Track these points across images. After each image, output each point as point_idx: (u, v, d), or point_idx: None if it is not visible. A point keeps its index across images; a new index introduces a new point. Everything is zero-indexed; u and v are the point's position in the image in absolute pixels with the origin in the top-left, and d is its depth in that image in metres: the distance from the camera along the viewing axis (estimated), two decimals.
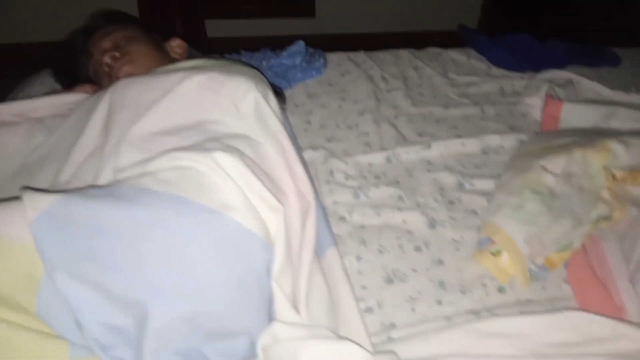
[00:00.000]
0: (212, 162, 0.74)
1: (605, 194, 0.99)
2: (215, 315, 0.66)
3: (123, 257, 0.65)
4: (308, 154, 1.16)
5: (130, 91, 0.91)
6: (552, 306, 0.86)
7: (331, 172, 1.12)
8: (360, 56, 1.57)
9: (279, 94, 1.29)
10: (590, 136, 1.08)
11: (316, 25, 2.82)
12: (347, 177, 1.11)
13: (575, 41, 1.56)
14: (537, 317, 0.75)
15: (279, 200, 0.75)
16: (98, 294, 0.62)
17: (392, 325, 0.83)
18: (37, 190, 0.70)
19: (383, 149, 1.19)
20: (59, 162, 0.92)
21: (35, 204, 0.66)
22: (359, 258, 0.93)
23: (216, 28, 2.70)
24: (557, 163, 1.00)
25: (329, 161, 1.14)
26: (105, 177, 0.81)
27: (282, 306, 0.71)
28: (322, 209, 0.92)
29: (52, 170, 0.91)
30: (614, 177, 1.02)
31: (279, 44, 1.51)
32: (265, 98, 0.90)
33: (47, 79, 1.36)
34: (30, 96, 1.24)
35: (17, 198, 0.69)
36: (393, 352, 0.68)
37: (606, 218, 0.97)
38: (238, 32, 2.75)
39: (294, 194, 0.81)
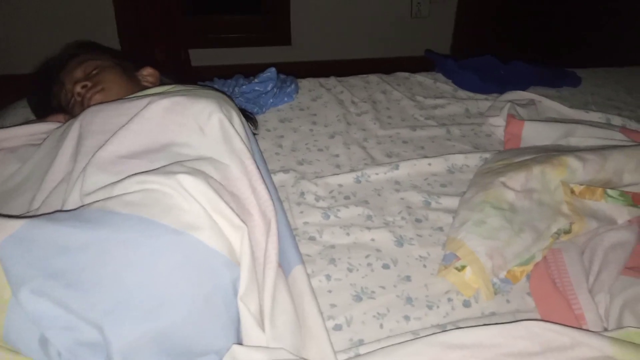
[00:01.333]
0: (177, 184, 0.76)
1: (565, 208, 1.03)
2: (182, 334, 0.67)
3: (88, 277, 0.66)
4: (279, 177, 1.19)
5: (98, 117, 0.93)
6: (516, 318, 0.88)
7: (302, 194, 1.15)
8: (331, 81, 1.61)
9: (250, 118, 1.32)
10: (549, 153, 1.12)
11: (293, 53, 2.88)
12: (318, 198, 1.14)
13: (538, 63, 1.62)
14: (498, 328, 0.78)
15: (242, 220, 0.77)
16: (63, 311, 0.63)
17: (361, 342, 0.84)
18: (5, 216, 0.71)
19: (352, 170, 1.22)
20: (32, 190, 0.93)
21: (2, 229, 0.67)
22: (328, 277, 0.95)
23: (200, 57, 2.75)
24: (516, 179, 1.04)
25: (299, 183, 1.17)
26: (72, 201, 0.82)
27: (248, 325, 0.73)
28: (289, 229, 0.94)
29: (26, 199, 0.92)
30: (572, 191, 1.06)
31: (259, 70, 1.55)
32: (230, 119, 0.93)
33: (20, 110, 1.38)
34: (3, 127, 1.26)
35: None
36: None
37: (566, 231, 1.01)
38: (221, 61, 2.82)
39: (257, 212, 0.84)
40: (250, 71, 1.58)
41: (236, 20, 2.89)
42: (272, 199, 0.87)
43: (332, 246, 1.02)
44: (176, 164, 0.83)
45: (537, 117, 1.38)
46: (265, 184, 0.89)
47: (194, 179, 0.77)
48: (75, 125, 0.94)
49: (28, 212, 0.89)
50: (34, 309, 0.63)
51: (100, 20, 2.55)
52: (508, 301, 0.92)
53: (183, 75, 1.37)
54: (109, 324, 0.64)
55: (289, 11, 2.77)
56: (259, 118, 1.41)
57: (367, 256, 1.00)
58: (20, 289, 0.64)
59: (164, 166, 0.83)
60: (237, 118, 0.96)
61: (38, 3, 2.51)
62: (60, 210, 0.82)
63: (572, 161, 1.07)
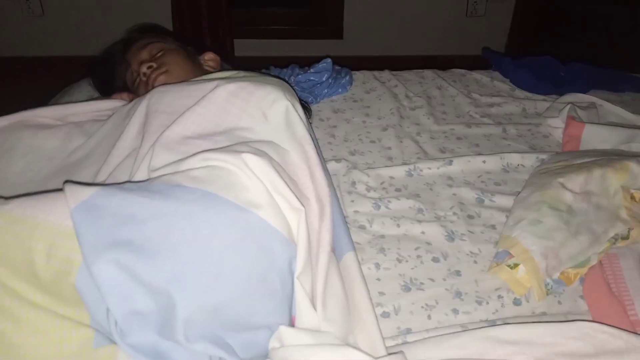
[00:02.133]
0: (241, 162, 0.78)
1: (623, 214, 1.00)
2: (237, 308, 0.69)
3: (153, 246, 0.69)
4: (331, 165, 1.20)
5: (165, 97, 0.96)
6: (567, 320, 0.86)
7: (353, 184, 1.15)
8: (385, 75, 1.61)
9: (305, 107, 1.33)
10: (610, 157, 1.10)
11: (343, 48, 2.88)
12: (369, 188, 1.15)
13: (598, 66, 1.58)
14: (550, 326, 0.77)
15: (301, 202, 0.79)
16: (127, 277, 0.66)
17: (408, 330, 0.85)
18: (78, 183, 0.75)
19: (404, 163, 1.22)
20: (97, 163, 0.97)
21: (76, 195, 0.71)
22: (377, 265, 0.96)
23: (245, 47, 2.78)
24: (576, 181, 1.02)
25: (351, 173, 1.18)
26: (140, 176, 0.85)
27: (302, 304, 0.74)
28: (342, 216, 0.95)
29: (91, 171, 0.96)
30: (632, 197, 1.04)
31: (306, 64, 1.56)
32: (294, 106, 0.94)
33: (85, 88, 1.43)
34: (70, 102, 1.31)
35: (59, 190, 0.74)
36: (401, 353, 0.70)
37: (624, 237, 0.98)
38: (266, 52, 2.83)
39: (314, 198, 0.85)
40: (300, 64, 1.59)
41: (286, 13, 2.90)
42: (328, 186, 0.89)
43: (382, 236, 1.03)
44: (241, 144, 0.85)
45: (598, 120, 1.34)
46: (324, 172, 0.90)
47: (258, 158, 0.79)
48: (143, 104, 0.97)
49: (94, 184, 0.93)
50: (100, 276, 0.66)
51: (155, 8, 2.62)
52: (560, 302, 0.91)
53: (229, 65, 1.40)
54: (173, 293, 0.66)
55: (342, 5, 2.77)
56: (313, 108, 1.42)
57: (416, 248, 1.00)
58: (89, 254, 0.67)
59: (229, 146, 0.85)
60: (299, 105, 0.97)
61: None
62: (129, 182, 0.85)
63: (634, 166, 1.04)
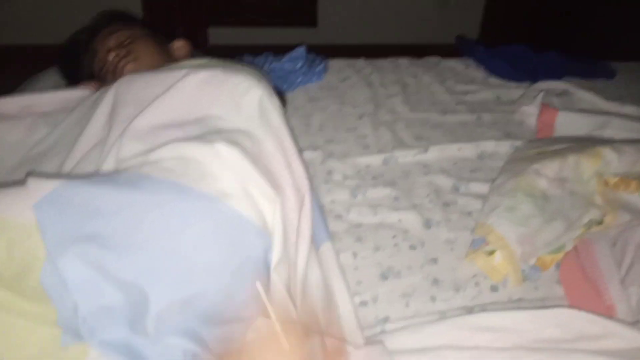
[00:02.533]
0: (212, 152, 0.76)
1: (598, 199, 1.01)
2: (211, 300, 0.67)
3: (121, 239, 0.66)
4: (307, 154, 1.18)
5: (133, 86, 0.93)
6: (544, 305, 0.86)
7: (329, 172, 1.14)
8: (360, 63, 1.59)
9: (280, 96, 1.31)
10: (584, 143, 1.10)
11: (318, 35, 2.85)
12: (345, 177, 1.13)
13: (571, 54, 1.59)
14: (527, 312, 0.77)
15: (275, 192, 0.77)
16: (95, 272, 0.63)
17: (386, 319, 0.84)
18: (41, 175, 0.71)
19: (380, 151, 1.21)
20: (62, 155, 0.93)
21: (39, 188, 0.68)
22: (355, 254, 0.95)
23: (218, 35, 2.73)
24: (550, 167, 1.02)
25: (327, 162, 1.16)
26: (107, 168, 0.82)
27: (279, 296, 0.72)
28: (319, 206, 0.94)
29: (55, 163, 0.93)
30: (606, 183, 1.04)
31: (280, 52, 1.54)
32: (268, 95, 0.92)
33: (51, 77, 1.38)
34: (35, 92, 1.26)
35: (21, 182, 0.70)
36: (380, 343, 0.69)
37: (598, 222, 0.99)
38: (240, 40, 2.79)
39: (291, 188, 0.83)
40: (274, 52, 1.56)
41: (261, 0, 2.86)
42: (308, 177, 0.87)
43: (359, 225, 1.01)
44: (213, 134, 0.82)
45: (571, 107, 1.35)
46: (301, 161, 0.88)
47: (230, 147, 0.76)
48: (110, 93, 0.94)
49: (58, 175, 0.89)
50: (65, 270, 0.63)
51: None
52: (536, 288, 0.91)
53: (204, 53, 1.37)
54: (144, 287, 0.64)
55: None
56: (288, 96, 1.40)
57: (393, 236, 0.99)
58: (54, 250, 0.64)
59: (200, 135, 0.82)
60: (273, 94, 0.95)
61: None
62: (96, 173, 0.82)
63: (607, 152, 1.05)
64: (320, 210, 0.93)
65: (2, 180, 0.92)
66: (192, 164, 0.75)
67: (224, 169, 0.75)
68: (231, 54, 1.54)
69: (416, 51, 1.89)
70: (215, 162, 0.76)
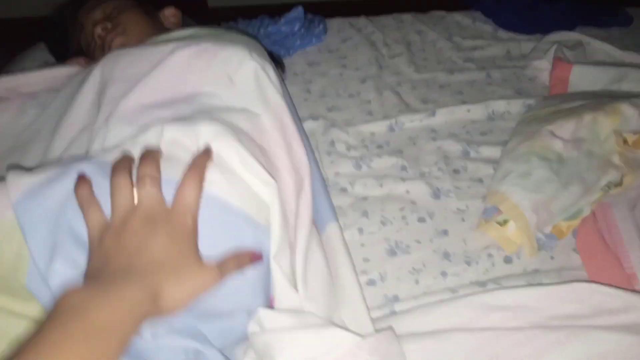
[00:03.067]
0: (195, 134, 0.70)
1: (616, 159, 0.95)
2: (207, 295, 0.64)
3: None
4: (308, 125, 1.13)
5: (119, 63, 0.87)
6: (560, 276, 0.83)
7: (332, 143, 1.09)
8: (362, 21, 1.52)
9: (278, 62, 1.24)
10: (601, 99, 1.04)
11: None
12: (349, 147, 1.08)
13: (584, 1, 1.50)
14: (544, 289, 0.73)
15: (272, 176, 0.72)
16: (76, 272, 0.60)
17: (395, 298, 0.81)
18: (22, 169, 0.67)
19: (385, 117, 1.16)
20: (48, 140, 0.89)
21: (18, 184, 0.64)
22: (361, 230, 0.91)
23: None
24: (565, 128, 0.96)
25: (329, 131, 1.11)
26: (95, 153, 0.78)
27: (280, 285, 0.69)
28: (324, 184, 0.89)
29: (43, 146, 0.88)
30: (625, 141, 0.99)
31: (280, 11, 1.46)
32: (263, 68, 0.86)
33: (38, 54, 1.33)
34: (22, 71, 1.21)
35: (2, 178, 0.66)
36: (390, 330, 0.65)
37: (617, 184, 0.94)
38: (238, 1, 2.69)
39: (287, 170, 0.78)
40: (272, 12, 1.49)
41: None
42: (311, 156, 0.81)
43: (365, 198, 0.97)
44: (204, 114, 0.77)
45: (586, 60, 1.28)
46: (302, 140, 0.83)
47: (218, 128, 0.71)
48: (96, 72, 0.89)
49: (44, 160, 0.85)
50: (51, 272, 0.60)
51: None
52: (552, 258, 0.87)
53: (202, 18, 1.29)
54: None
55: None
56: (286, 61, 1.33)
57: (401, 209, 0.95)
58: (38, 254, 0.60)
59: (190, 115, 0.77)
60: (270, 66, 0.89)
61: None
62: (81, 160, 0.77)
63: (626, 108, 0.99)
64: (324, 187, 0.88)
65: None
66: (175, 151, 0.70)
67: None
68: (229, 16, 1.48)
69: (424, 1, 1.80)
70: (196, 146, 0.70)
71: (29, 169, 0.68)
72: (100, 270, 0.53)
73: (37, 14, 2.42)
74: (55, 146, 0.84)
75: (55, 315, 0.46)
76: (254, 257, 0.65)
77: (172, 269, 0.55)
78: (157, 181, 0.60)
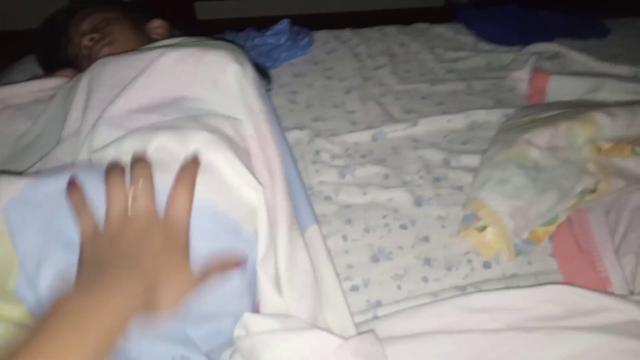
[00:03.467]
0: (184, 140, 0.72)
1: (591, 167, 0.98)
2: (191, 302, 0.65)
3: None
4: (294, 134, 1.15)
5: (106, 70, 0.89)
6: (538, 280, 0.86)
7: (317, 152, 1.11)
8: (346, 34, 1.55)
9: (264, 73, 1.27)
10: (576, 108, 1.07)
11: (305, 5, 2.79)
12: (333, 156, 1.11)
13: (564, 12, 1.54)
14: (521, 291, 0.75)
15: (258, 180, 0.74)
16: (68, 279, 0.61)
17: (378, 303, 0.83)
18: (12, 174, 0.69)
19: (369, 127, 1.18)
20: (44, 148, 0.90)
21: (7, 189, 0.65)
22: (345, 237, 0.93)
23: (206, 10, 2.67)
24: (542, 136, 0.99)
25: (314, 141, 1.14)
26: (82, 157, 0.79)
27: (266, 290, 0.71)
28: (304, 188, 0.91)
29: (38, 154, 0.90)
30: (599, 149, 1.02)
31: (270, 24, 1.49)
32: (244, 72, 0.88)
33: (27, 67, 1.34)
34: (10, 83, 1.23)
35: None
36: (372, 332, 0.68)
37: (592, 191, 0.97)
38: (226, 14, 2.73)
39: (266, 172, 0.80)
40: (261, 24, 1.52)
41: None
42: (280, 157, 0.83)
43: (348, 206, 1.00)
44: (190, 119, 0.79)
45: (564, 70, 1.32)
46: (279, 141, 0.85)
47: (205, 134, 0.73)
48: (84, 79, 0.91)
49: (38, 170, 0.87)
50: (39, 279, 0.61)
51: None
52: (530, 262, 0.89)
53: (191, 28, 1.32)
54: None
55: None
56: (272, 73, 1.36)
57: (384, 216, 0.97)
58: (26, 262, 0.62)
59: (176, 120, 0.79)
60: (251, 72, 0.91)
61: None
62: (66, 166, 0.79)
63: (600, 117, 1.02)
64: (304, 191, 0.90)
65: None
66: (163, 157, 0.72)
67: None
68: (218, 29, 1.50)
69: (408, 15, 1.84)
70: (186, 151, 0.72)
71: (19, 174, 0.69)
72: (92, 277, 0.54)
73: (27, 26, 2.44)
74: (50, 153, 0.86)
75: (50, 322, 0.47)
76: (239, 262, 0.66)
77: (163, 277, 0.56)
78: (150, 187, 0.61)
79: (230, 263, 0.65)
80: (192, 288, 0.59)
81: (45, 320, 0.48)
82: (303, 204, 0.87)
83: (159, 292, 0.55)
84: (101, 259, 0.56)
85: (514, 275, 0.87)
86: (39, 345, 0.45)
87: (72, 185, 0.62)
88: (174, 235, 0.60)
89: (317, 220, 0.88)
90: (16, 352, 0.44)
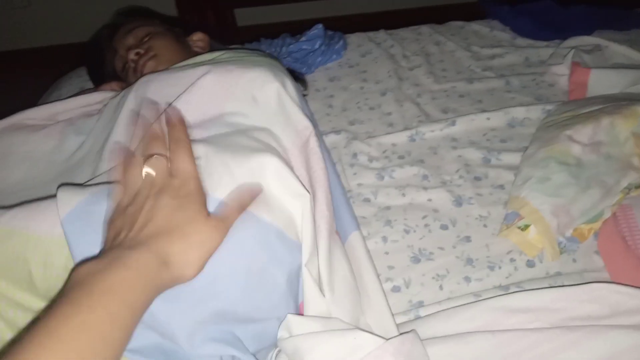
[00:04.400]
0: (252, 164, 0.74)
1: (635, 161, 0.96)
2: (240, 306, 0.68)
3: None
4: (331, 138, 1.17)
5: (150, 87, 0.93)
6: (583, 278, 0.84)
7: (354, 155, 1.13)
8: (381, 35, 1.55)
9: (300, 79, 1.29)
10: (618, 102, 1.05)
11: (338, 7, 2.80)
12: (371, 158, 1.12)
13: (601, 5, 1.51)
14: (564, 290, 0.75)
15: (305, 187, 0.75)
16: None
17: (420, 303, 0.83)
18: (71, 187, 0.73)
19: (406, 128, 1.19)
20: (94, 162, 0.95)
21: (66, 202, 0.69)
22: (385, 239, 0.94)
23: (245, 16, 2.73)
24: (583, 132, 0.98)
25: (352, 144, 1.15)
26: None
27: (310, 291, 0.72)
28: (345, 195, 0.93)
29: (89, 172, 0.94)
30: None
31: (306, 27, 1.51)
32: (285, 88, 0.90)
33: (74, 80, 1.40)
34: (59, 97, 1.29)
35: (53, 196, 0.72)
36: (413, 332, 0.68)
37: (637, 186, 0.95)
38: (266, 19, 2.78)
39: (308, 181, 0.82)
40: (297, 28, 1.54)
41: None
42: (324, 169, 0.84)
43: (388, 207, 1.00)
44: (234, 133, 0.81)
45: (604, 63, 1.29)
46: (323, 155, 0.86)
47: (255, 146, 0.76)
48: (130, 96, 0.94)
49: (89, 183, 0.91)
50: None
51: None
52: (574, 260, 0.88)
53: (231, 36, 1.35)
54: (167, 313, 0.64)
55: None
56: (308, 78, 1.38)
57: (424, 217, 0.98)
58: None
59: (221, 134, 0.82)
60: (291, 85, 0.93)
61: None
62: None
63: None
64: (346, 199, 0.92)
65: (44, 191, 0.95)
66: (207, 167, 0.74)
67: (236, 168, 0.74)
68: (257, 34, 1.54)
69: (441, 12, 1.83)
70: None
71: (77, 186, 0.73)
72: (110, 248, 0.56)
73: (74, 40, 2.54)
74: (101, 169, 0.90)
75: (63, 289, 0.49)
76: (254, 193, 0.68)
77: (179, 234, 0.56)
78: (187, 146, 0.63)
79: (247, 198, 0.67)
80: (214, 236, 0.59)
81: (60, 289, 0.49)
82: (344, 210, 0.88)
83: (177, 250, 0.55)
84: (117, 229, 0.58)
85: (558, 274, 0.86)
86: (51, 312, 0.45)
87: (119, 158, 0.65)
88: (185, 191, 0.60)
89: (359, 225, 0.89)
90: (34, 321, 0.46)
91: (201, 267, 0.57)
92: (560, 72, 1.29)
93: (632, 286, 0.73)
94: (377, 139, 1.16)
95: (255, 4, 2.78)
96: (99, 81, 1.25)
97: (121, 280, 0.49)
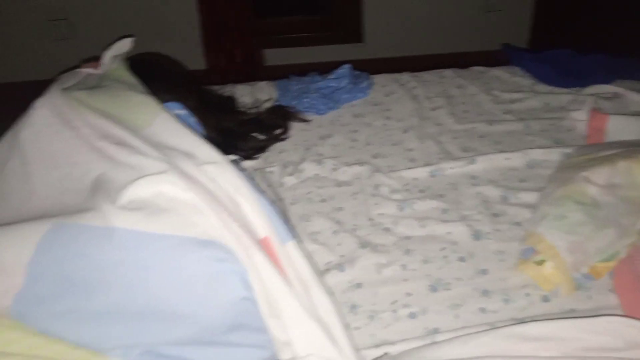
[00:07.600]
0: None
1: None
2: (220, 329, 0.73)
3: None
4: (354, 169, 1.21)
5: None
6: (597, 315, 0.86)
7: (376, 186, 1.17)
8: (405, 77, 1.62)
9: (295, 116, 1.41)
10: (635, 147, 1.08)
11: (364, 51, 2.90)
12: (392, 191, 1.16)
13: (621, 56, 1.55)
14: (577, 321, 0.76)
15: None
16: None
17: (436, 330, 0.85)
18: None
19: (427, 164, 1.23)
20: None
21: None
22: (404, 267, 0.97)
23: (274, 56, 2.84)
24: (600, 174, 1.01)
25: (374, 176, 1.19)
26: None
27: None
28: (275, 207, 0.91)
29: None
30: None
31: (331, 68, 1.58)
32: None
33: None
34: None
35: None
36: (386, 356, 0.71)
37: None
38: (291, 60, 2.87)
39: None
40: (323, 69, 1.61)
41: (307, 20, 2.97)
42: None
43: (407, 237, 1.03)
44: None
45: (623, 111, 1.32)
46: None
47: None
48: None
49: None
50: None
51: (184, 24, 2.69)
52: (589, 297, 0.90)
53: (259, 74, 1.41)
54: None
55: (360, 9, 2.80)
56: (334, 113, 1.44)
57: (442, 249, 1.01)
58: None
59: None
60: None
61: (122, 3, 2.68)
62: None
63: None
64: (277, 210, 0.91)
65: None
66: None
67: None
68: (284, 73, 1.61)
69: (464, 59, 1.89)
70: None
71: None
72: None
73: None
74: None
75: None
76: None
77: None
78: None
79: None
80: None
81: None
82: (278, 223, 0.88)
83: None
84: None
85: (572, 310, 0.88)
86: None
87: None
88: None
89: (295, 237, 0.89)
90: None
91: None
92: (579, 118, 1.33)
93: None
94: (398, 173, 1.20)
95: (284, 44, 2.89)
96: None
97: None
